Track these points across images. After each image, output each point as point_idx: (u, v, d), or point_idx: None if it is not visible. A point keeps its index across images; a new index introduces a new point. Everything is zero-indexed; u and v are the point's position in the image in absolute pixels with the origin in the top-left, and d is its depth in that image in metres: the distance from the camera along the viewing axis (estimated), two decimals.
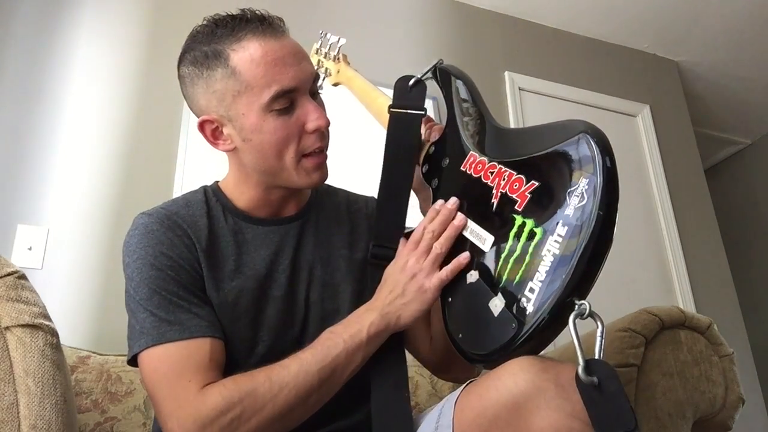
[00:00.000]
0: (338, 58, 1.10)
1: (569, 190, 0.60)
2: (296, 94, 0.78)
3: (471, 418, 0.65)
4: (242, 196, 0.87)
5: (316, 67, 1.16)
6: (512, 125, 2.34)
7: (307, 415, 0.72)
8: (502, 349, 0.63)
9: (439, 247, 0.73)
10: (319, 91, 1.13)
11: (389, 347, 0.78)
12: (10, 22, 1.78)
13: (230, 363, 0.78)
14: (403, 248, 0.78)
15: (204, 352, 0.72)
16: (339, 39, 1.10)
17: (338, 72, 1.09)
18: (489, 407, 0.62)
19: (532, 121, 2.41)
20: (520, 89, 2.46)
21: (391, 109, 0.87)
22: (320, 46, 1.13)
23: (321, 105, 0.84)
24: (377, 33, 2.27)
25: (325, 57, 1.13)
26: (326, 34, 1.12)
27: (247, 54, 0.76)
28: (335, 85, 1.12)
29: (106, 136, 1.76)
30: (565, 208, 0.60)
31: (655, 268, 2.41)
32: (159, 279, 0.76)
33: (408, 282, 0.74)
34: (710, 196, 2.73)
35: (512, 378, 0.61)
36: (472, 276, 0.70)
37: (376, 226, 0.86)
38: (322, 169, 0.83)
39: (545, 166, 0.66)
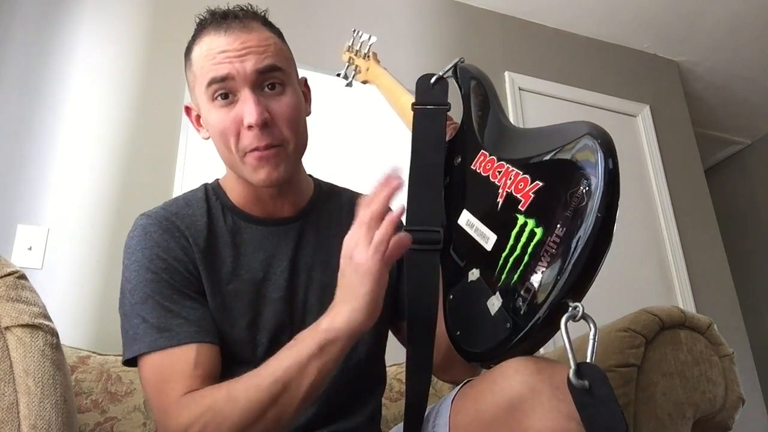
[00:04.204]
0: (368, 56, 1.12)
1: (571, 191, 0.60)
2: (234, 85, 0.77)
3: (468, 420, 0.65)
4: (235, 191, 0.87)
5: (346, 65, 1.17)
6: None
7: (275, 430, 0.67)
8: (496, 348, 0.63)
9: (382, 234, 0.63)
10: (348, 87, 1.15)
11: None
12: (11, 22, 1.78)
13: (234, 364, 0.78)
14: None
15: (189, 359, 0.73)
16: (370, 37, 1.11)
17: (367, 70, 1.11)
18: (485, 410, 0.62)
19: (532, 120, 2.41)
20: (520, 89, 2.46)
21: (415, 106, 0.88)
22: (352, 43, 1.14)
23: (289, 101, 0.80)
24: (377, 32, 2.25)
25: (356, 54, 1.14)
26: (359, 32, 1.14)
27: (198, 48, 0.81)
28: (364, 82, 1.13)
29: (106, 135, 1.76)
30: (566, 209, 0.60)
31: (655, 268, 2.41)
32: (154, 282, 0.77)
33: (352, 275, 0.64)
34: (710, 196, 2.73)
35: (507, 380, 0.60)
36: (474, 274, 0.70)
37: (409, 210, 0.82)
38: (266, 167, 0.78)
39: (550, 166, 0.66)
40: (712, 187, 2.82)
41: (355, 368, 0.84)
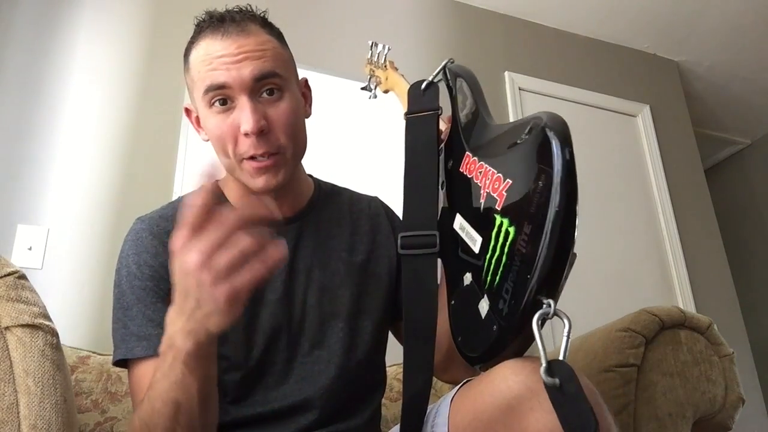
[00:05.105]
0: (386, 65, 1.12)
1: (532, 186, 0.59)
2: (231, 92, 0.76)
3: (467, 421, 0.65)
4: (233, 192, 0.87)
5: (368, 77, 1.18)
6: None
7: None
8: (488, 352, 0.62)
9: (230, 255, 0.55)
10: (371, 98, 1.15)
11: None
12: (11, 22, 1.78)
13: (228, 367, 0.79)
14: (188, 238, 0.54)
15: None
16: (386, 47, 1.12)
17: (386, 79, 1.11)
18: (484, 410, 0.62)
19: None
20: (520, 89, 2.46)
21: (407, 116, 0.87)
22: (371, 56, 1.16)
23: (287, 107, 0.79)
24: (377, 33, 2.27)
25: (375, 66, 1.15)
26: (376, 44, 1.14)
27: (195, 51, 0.80)
28: (386, 92, 1.14)
29: (106, 135, 1.76)
30: (530, 205, 0.59)
31: (655, 268, 2.41)
32: (140, 289, 0.78)
33: (196, 289, 0.55)
34: (710, 196, 2.73)
35: (504, 381, 0.61)
36: (467, 278, 0.69)
37: (404, 216, 0.81)
38: (264, 175, 0.78)
39: (514, 162, 0.65)
40: (712, 187, 2.82)
41: (354, 369, 0.84)
